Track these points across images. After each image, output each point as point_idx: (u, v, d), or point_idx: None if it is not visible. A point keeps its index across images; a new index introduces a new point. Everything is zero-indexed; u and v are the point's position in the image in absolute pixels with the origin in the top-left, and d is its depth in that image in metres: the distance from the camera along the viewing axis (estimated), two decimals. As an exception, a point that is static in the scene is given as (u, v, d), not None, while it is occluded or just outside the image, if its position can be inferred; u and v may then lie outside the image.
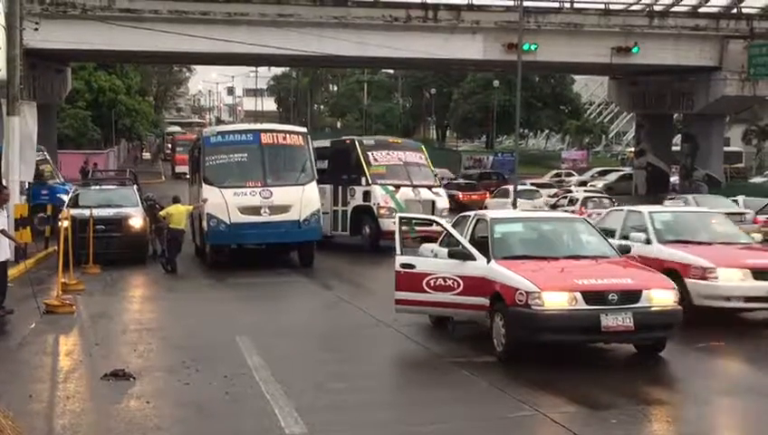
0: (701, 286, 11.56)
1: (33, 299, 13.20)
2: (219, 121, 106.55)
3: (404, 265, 10.74)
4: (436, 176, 24.57)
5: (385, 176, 22.34)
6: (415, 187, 22.33)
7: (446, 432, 7.47)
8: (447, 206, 22.86)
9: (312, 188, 19.30)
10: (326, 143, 24.86)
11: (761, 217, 23.84)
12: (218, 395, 8.35)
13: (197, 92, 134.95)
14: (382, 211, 21.49)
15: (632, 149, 51.18)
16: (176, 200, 19.55)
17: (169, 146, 67.03)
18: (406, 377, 9.82)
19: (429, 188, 22.77)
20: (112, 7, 31.61)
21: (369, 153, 22.64)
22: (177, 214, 18.81)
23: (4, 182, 17.79)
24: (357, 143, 23.06)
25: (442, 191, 23.67)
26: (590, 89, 77.65)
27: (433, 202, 22.20)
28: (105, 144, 55.44)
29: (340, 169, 23.09)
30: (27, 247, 18.43)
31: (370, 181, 22.00)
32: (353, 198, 22.42)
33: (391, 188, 21.92)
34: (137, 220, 19.98)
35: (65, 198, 23.05)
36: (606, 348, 10.19)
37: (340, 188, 22.91)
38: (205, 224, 18.79)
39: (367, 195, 21.97)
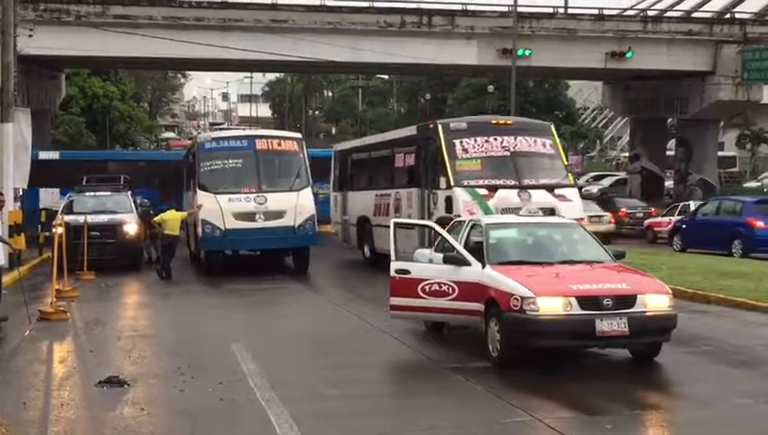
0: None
1: (27, 306, 13.16)
2: (213, 126, 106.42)
3: (399, 271, 10.74)
4: (568, 171, 18.32)
5: (477, 173, 17.11)
6: (523, 188, 16.84)
7: (441, 438, 7.45)
8: (579, 216, 16.25)
9: (307, 193, 19.31)
10: (411, 131, 19.80)
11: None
12: (213, 402, 8.32)
13: (192, 98, 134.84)
14: None
15: (627, 154, 51.27)
16: (171, 206, 19.54)
17: (165, 152, 67.00)
18: (401, 383, 9.81)
19: (551, 189, 17.07)
20: (107, 13, 31.57)
21: (457, 142, 17.35)
22: (172, 220, 18.81)
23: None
24: (440, 128, 17.65)
25: (573, 193, 17.41)
26: (585, 94, 77.76)
27: (552, 210, 15.94)
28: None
29: (424, 165, 18.29)
30: (21, 254, 18.44)
31: (452, 183, 16.82)
32: (435, 207, 17.31)
33: (481, 191, 16.66)
34: (131, 226, 19.98)
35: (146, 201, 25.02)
36: (601, 353, 10.19)
37: (425, 193, 18.01)
38: (199, 230, 18.80)
39: (449, 202, 16.82)
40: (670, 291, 9.74)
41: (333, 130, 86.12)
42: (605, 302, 9.23)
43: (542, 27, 34.38)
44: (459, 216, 15.31)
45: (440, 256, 10.87)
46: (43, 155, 32.21)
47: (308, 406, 8.22)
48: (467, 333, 11.09)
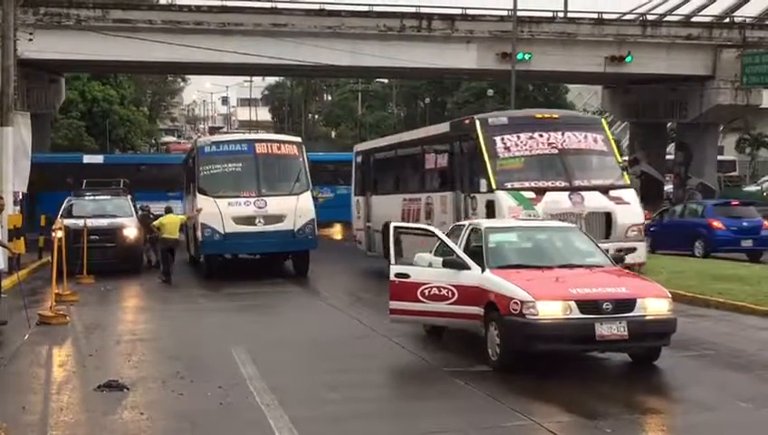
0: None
1: (27, 310, 13.16)
2: (212, 130, 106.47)
3: (398, 275, 10.73)
4: (624, 169, 16.29)
5: (521, 174, 15.40)
6: (575, 190, 15.08)
7: (441, 442, 7.45)
8: (639, 221, 15.18)
9: (307, 197, 19.31)
10: (444, 128, 18.20)
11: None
12: (213, 406, 8.32)
13: (192, 102, 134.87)
14: None
15: (626, 158, 51.33)
16: (168, 210, 19.54)
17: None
18: (400, 387, 9.80)
19: (606, 191, 15.31)
20: (106, 18, 31.63)
21: (497, 139, 15.60)
22: (170, 224, 18.81)
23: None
24: (477, 124, 15.88)
25: (630, 196, 15.53)
26: (584, 98, 77.77)
27: (608, 215, 14.87)
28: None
29: (460, 166, 16.64)
30: (21, 258, 18.43)
31: (494, 185, 15.10)
32: (474, 213, 15.49)
33: (528, 194, 14.95)
34: (131, 230, 19.98)
35: None
36: (601, 357, 10.19)
37: (461, 197, 16.28)
38: (199, 234, 18.80)
39: (490, 207, 15.05)
40: (670, 295, 9.73)
41: (333, 134, 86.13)
42: (605, 306, 9.23)
43: (542, 31, 34.44)
44: None
45: (440, 259, 10.86)
46: (87, 159, 32.68)
47: (307, 410, 8.22)
48: (467, 337, 11.09)
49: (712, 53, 35.31)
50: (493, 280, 9.94)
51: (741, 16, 38.57)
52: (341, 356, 10.89)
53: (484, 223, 11.56)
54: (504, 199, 14.86)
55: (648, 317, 9.37)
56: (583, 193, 14.98)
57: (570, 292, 9.38)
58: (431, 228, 12.28)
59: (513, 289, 9.49)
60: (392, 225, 11.54)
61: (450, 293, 10.38)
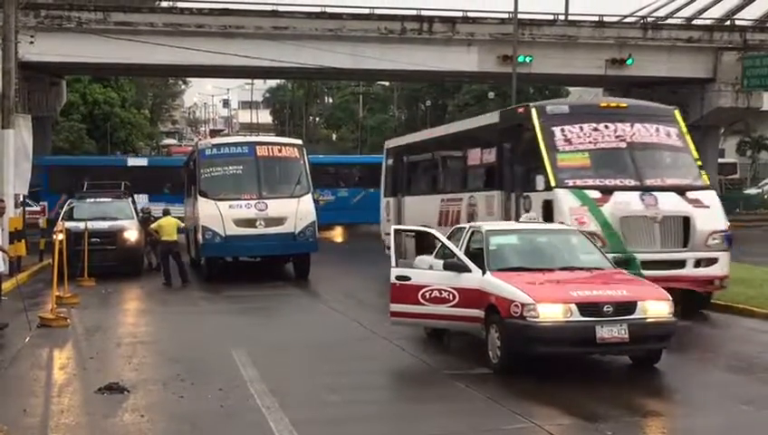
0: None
1: (27, 313, 13.16)
2: (214, 132, 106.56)
3: (399, 278, 10.73)
4: (700, 168, 14.37)
5: (585, 171, 13.73)
6: (647, 190, 13.30)
7: (441, 445, 7.45)
8: (721, 227, 13.29)
9: (308, 200, 19.30)
10: (491, 118, 16.29)
11: None
12: (214, 408, 8.32)
13: (193, 105, 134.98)
14: None
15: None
16: (166, 213, 19.55)
17: None
18: (401, 389, 9.80)
19: (682, 192, 13.49)
20: (108, 20, 31.67)
21: (556, 130, 13.90)
22: (167, 226, 18.82)
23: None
24: (533, 113, 14.12)
25: (710, 198, 13.64)
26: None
27: (686, 220, 13.08)
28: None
29: (511, 161, 15.03)
30: (22, 261, 18.46)
31: (553, 182, 13.40)
32: (528, 215, 13.20)
33: (593, 194, 13.20)
34: (132, 233, 19.98)
35: None
36: (601, 360, 10.19)
37: (512, 196, 14.67)
38: (200, 236, 18.80)
39: (548, 208, 13.38)
40: (670, 298, 9.73)
41: (334, 137, 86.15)
42: (605, 308, 9.23)
43: (543, 34, 34.46)
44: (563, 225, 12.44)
45: (440, 262, 10.87)
46: (132, 162, 32.96)
47: (308, 412, 8.22)
48: (468, 340, 11.09)
49: (713, 55, 35.32)
50: (493, 283, 9.94)
51: (742, 19, 38.58)
52: (342, 358, 10.89)
53: (485, 226, 11.56)
54: (564, 199, 13.08)
55: (648, 320, 9.37)
56: (657, 194, 13.16)
57: (570, 294, 9.38)
58: (431, 230, 12.30)
59: (514, 292, 9.50)
60: (393, 227, 11.54)
61: (451, 295, 10.38)
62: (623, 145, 13.88)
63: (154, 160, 34.25)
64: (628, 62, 34.39)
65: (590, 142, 13.86)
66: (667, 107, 15.31)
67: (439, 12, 35.18)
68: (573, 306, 9.21)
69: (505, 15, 34.29)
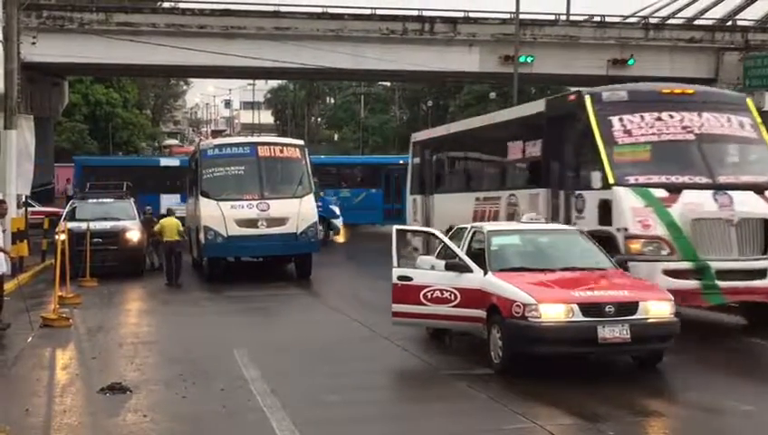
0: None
1: (29, 313, 13.19)
2: (215, 133, 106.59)
3: (401, 278, 10.74)
4: None
5: (648, 166, 12.26)
6: (720, 188, 11.81)
7: (443, 445, 7.47)
8: None
9: (309, 200, 19.31)
10: (536, 107, 14.88)
11: None
12: (216, 408, 8.33)
13: (195, 105, 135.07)
14: (633, 245, 11.47)
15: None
16: (169, 213, 19.58)
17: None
18: (403, 390, 9.81)
19: (761, 191, 11.99)
20: (110, 21, 31.72)
21: (614, 120, 12.46)
22: (168, 226, 18.86)
23: (0, 196, 17.82)
24: (587, 100, 12.69)
25: None
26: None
27: (766, 222, 11.62)
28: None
29: (559, 155, 13.56)
30: (24, 261, 18.48)
31: (611, 179, 11.98)
32: (581, 215, 12.55)
33: (658, 193, 11.75)
34: (134, 233, 20.00)
35: (337, 209, 27.61)
36: (603, 360, 10.19)
37: (560, 195, 13.33)
38: (202, 237, 18.81)
39: (605, 208, 12.05)
40: (672, 298, 9.73)
41: (335, 137, 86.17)
42: (607, 309, 9.23)
43: (544, 34, 34.48)
44: (626, 229, 11.36)
45: (442, 262, 10.88)
46: (164, 162, 33.17)
47: (310, 413, 8.23)
48: (469, 340, 11.10)
49: (714, 56, 35.32)
50: (495, 283, 9.94)
51: (743, 19, 38.55)
52: (344, 359, 10.90)
53: (487, 226, 11.56)
54: (625, 198, 11.66)
55: (650, 320, 9.37)
56: (731, 193, 11.64)
57: (572, 295, 9.39)
58: (432, 230, 12.30)
59: (516, 292, 9.50)
60: (394, 227, 11.53)
61: (453, 295, 10.39)
62: (691, 137, 12.31)
63: (186, 161, 34.52)
64: (630, 62, 34.39)
65: (652, 134, 12.30)
66: (739, 94, 13.87)
67: (441, 12, 35.25)
68: (575, 306, 9.21)
69: (507, 16, 34.33)
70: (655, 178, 11.90)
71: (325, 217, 27.30)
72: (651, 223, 11.40)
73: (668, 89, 13.26)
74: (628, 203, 11.65)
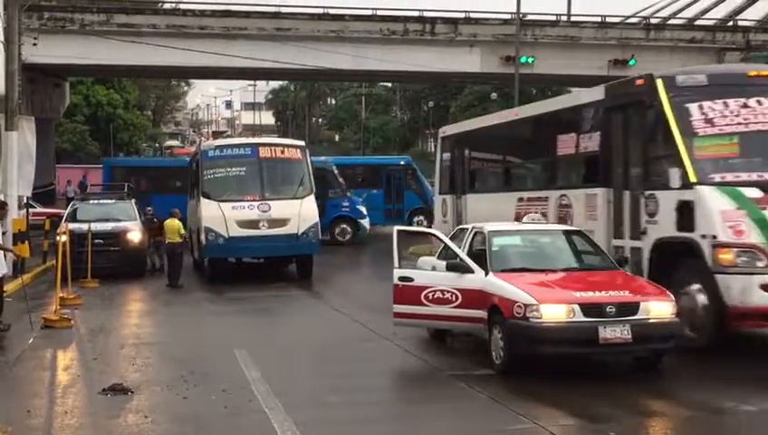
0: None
1: (30, 314, 13.19)
2: (216, 134, 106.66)
3: (402, 279, 10.74)
4: None
5: (734, 161, 10.83)
6: None
7: (444, 446, 7.47)
8: None
9: (311, 201, 19.30)
10: (595, 94, 12.99)
11: None
12: (217, 409, 8.33)
13: (195, 106, 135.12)
14: (724, 256, 9.97)
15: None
16: (173, 215, 19.60)
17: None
18: (404, 390, 9.81)
19: None
20: (110, 22, 31.75)
21: (692, 107, 10.89)
22: (170, 228, 18.90)
23: (1, 197, 17.83)
24: (659, 85, 11.09)
25: None
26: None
27: None
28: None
29: (625, 149, 11.93)
30: (25, 262, 18.48)
31: (693, 177, 10.48)
32: (653, 220, 11.04)
33: (750, 193, 10.23)
34: (135, 234, 20.00)
35: (363, 209, 27.55)
36: (604, 360, 10.19)
37: (625, 195, 11.75)
38: (203, 237, 18.81)
39: (686, 211, 10.52)
40: (673, 298, 9.72)
41: (336, 138, 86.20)
42: (608, 309, 9.23)
43: (545, 35, 34.47)
44: (714, 236, 9.91)
45: (443, 263, 10.87)
46: None
47: (311, 413, 8.23)
48: (471, 341, 11.10)
49: (716, 56, 35.30)
50: (496, 283, 9.94)
51: (745, 20, 38.55)
52: (345, 359, 10.90)
53: (488, 226, 11.56)
54: (712, 199, 10.13)
55: (651, 320, 9.36)
56: None
57: (573, 295, 9.39)
58: (433, 231, 12.29)
59: (517, 292, 9.50)
60: (395, 228, 11.51)
61: (454, 296, 10.38)
62: None
63: None
64: (631, 62, 34.38)
65: (739, 123, 10.69)
66: None
67: (442, 13, 35.25)
68: (576, 307, 9.21)
69: (508, 16, 34.34)
70: (744, 176, 10.39)
71: (352, 218, 27.45)
72: (744, 229, 9.92)
73: (755, 71, 11.49)
74: (715, 205, 10.07)
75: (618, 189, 11.92)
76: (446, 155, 18.91)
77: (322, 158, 30.54)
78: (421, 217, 30.58)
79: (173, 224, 18.93)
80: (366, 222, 28.02)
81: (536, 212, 13.70)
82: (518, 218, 13.78)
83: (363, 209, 28.12)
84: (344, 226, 27.76)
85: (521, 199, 14.77)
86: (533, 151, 15.31)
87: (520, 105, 32.48)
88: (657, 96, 11.04)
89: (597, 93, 12.87)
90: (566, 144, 13.56)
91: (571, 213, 13.08)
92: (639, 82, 11.61)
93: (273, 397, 8.66)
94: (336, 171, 28.22)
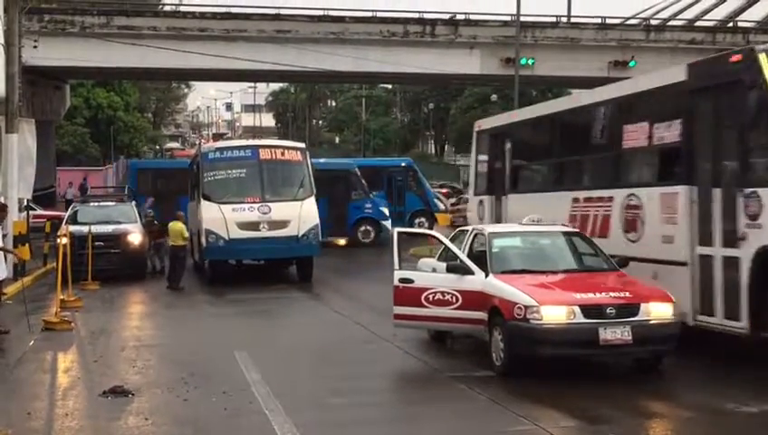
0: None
1: (28, 317, 13.20)
2: (217, 136, 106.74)
3: (402, 280, 10.75)
4: None
5: None
6: None
7: (445, 447, 7.47)
8: None
9: (311, 203, 19.29)
10: (673, 76, 11.22)
11: None
12: (217, 411, 8.34)
13: (196, 108, 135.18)
14: None
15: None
16: (177, 217, 19.61)
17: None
18: (405, 392, 9.81)
19: None
20: (111, 24, 31.76)
21: None
22: (172, 231, 18.91)
23: (1, 199, 17.84)
24: (763, 59, 9.42)
25: None
26: None
27: None
28: (104, 161, 55.54)
29: (716, 139, 10.27)
30: (26, 264, 18.49)
31: None
32: (756, 223, 9.33)
33: None
34: (135, 236, 19.99)
35: (386, 211, 27.71)
36: (605, 362, 10.18)
37: (715, 194, 10.05)
38: (203, 239, 18.81)
39: None
40: (674, 299, 9.72)
41: (337, 140, 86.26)
42: (608, 310, 9.23)
43: (545, 36, 34.49)
44: None
45: (443, 265, 10.88)
46: None
47: (312, 415, 8.23)
48: (471, 343, 11.10)
49: (715, 57, 35.27)
50: (496, 285, 9.95)
51: (745, 21, 38.55)
52: (345, 361, 10.91)
53: (488, 228, 11.57)
54: None
55: (651, 322, 9.36)
56: None
57: (574, 297, 9.39)
58: (433, 232, 12.28)
59: (517, 294, 9.51)
60: (395, 230, 11.49)
61: (454, 298, 10.39)
62: None
63: None
64: (631, 64, 34.38)
65: None
66: None
67: (441, 15, 35.24)
68: (576, 308, 9.22)
69: (508, 18, 34.34)
70: None
71: (375, 219, 27.56)
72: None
73: None
74: None
75: (704, 187, 10.16)
76: (483, 152, 16.97)
77: (346, 160, 30.66)
78: (422, 219, 30.60)
79: (176, 226, 18.94)
80: (388, 223, 28.16)
81: (595, 213, 12.40)
82: (573, 222, 12.53)
83: (386, 211, 28.34)
84: (367, 227, 27.97)
85: (576, 200, 12.97)
86: (593, 145, 13.18)
87: (520, 107, 32.57)
88: (761, 73, 9.31)
89: (677, 75, 11.02)
90: (636, 135, 11.64)
91: (641, 215, 11.29)
92: (735, 58, 9.93)
93: (273, 399, 8.66)
94: (359, 173, 28.44)
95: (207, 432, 7.84)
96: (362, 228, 28.05)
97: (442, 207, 32.34)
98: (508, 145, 15.76)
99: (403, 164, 33.15)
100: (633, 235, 11.34)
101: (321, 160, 29.65)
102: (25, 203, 20.98)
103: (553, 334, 9.21)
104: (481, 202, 16.67)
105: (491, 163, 16.54)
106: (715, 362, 10.57)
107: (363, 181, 28.37)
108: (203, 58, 31.12)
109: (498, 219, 15.55)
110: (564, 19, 36.87)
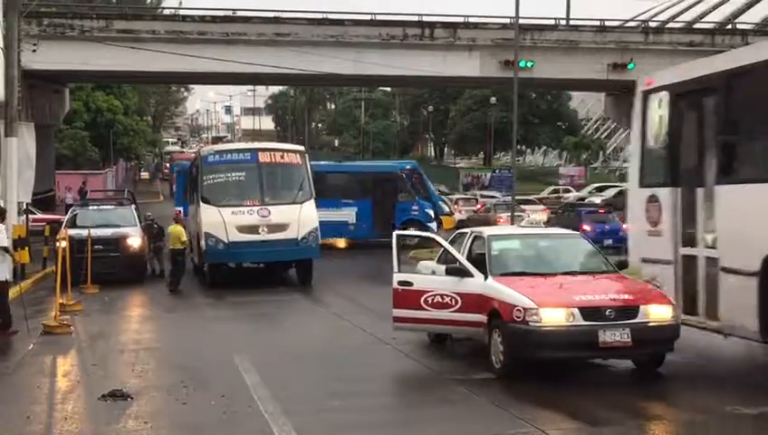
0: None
1: (28, 320, 13.19)
2: (216, 139, 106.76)
3: (402, 283, 10.74)
4: None
5: None
6: None
7: (444, 450, 7.46)
8: None
9: (310, 206, 19.30)
10: (739, 60, 9.77)
11: None
12: (217, 415, 8.33)
13: (195, 112, 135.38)
14: None
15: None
16: (176, 220, 19.61)
17: (168, 165, 67.21)
18: (405, 395, 9.81)
19: None
20: (110, 28, 31.78)
21: None
22: (172, 234, 18.91)
23: (1, 203, 17.83)
24: None
25: None
26: (587, 105, 77.83)
27: None
28: (103, 164, 55.55)
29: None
30: (25, 268, 18.49)
31: None
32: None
33: None
34: (135, 240, 19.99)
35: (431, 212, 27.88)
36: (604, 364, 10.18)
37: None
38: (203, 243, 18.81)
39: None
40: (673, 301, 9.73)
41: (336, 143, 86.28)
42: (608, 313, 9.23)
43: (544, 39, 34.50)
44: None
45: (443, 267, 10.88)
46: None
47: (311, 418, 8.23)
48: (470, 345, 11.09)
49: (715, 59, 35.32)
50: (496, 287, 9.95)
51: (743, 23, 38.63)
52: (345, 364, 10.90)
53: (487, 230, 11.57)
54: None
55: (651, 324, 9.36)
56: None
57: (573, 299, 9.39)
58: (433, 235, 12.29)
59: (517, 296, 9.50)
60: (394, 233, 11.48)
61: (453, 300, 10.38)
62: None
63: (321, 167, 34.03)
64: (630, 66, 34.40)
65: None
66: None
67: (441, 17, 35.26)
68: (576, 311, 9.22)
69: (507, 21, 34.36)
70: None
71: (422, 221, 27.65)
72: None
73: None
74: None
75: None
76: (659, 120, 11.28)
77: (398, 162, 30.87)
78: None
79: (174, 230, 18.95)
80: (434, 226, 28.21)
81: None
82: None
83: (431, 213, 28.42)
84: (413, 229, 28.00)
85: None
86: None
87: (519, 110, 32.59)
88: None
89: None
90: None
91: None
92: None
93: (272, 402, 8.66)
94: (405, 176, 28.75)
95: (207, 435, 7.83)
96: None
97: (447, 209, 32.39)
98: (713, 109, 10.21)
99: (408, 167, 33.11)
100: None
101: (366, 163, 29.65)
102: (24, 206, 20.97)
103: (553, 337, 9.21)
104: (652, 199, 11.15)
105: (672, 137, 10.91)
106: (715, 364, 10.57)
107: (409, 184, 28.56)
108: (202, 61, 31.13)
109: (691, 221, 10.33)
110: (563, 22, 36.94)
